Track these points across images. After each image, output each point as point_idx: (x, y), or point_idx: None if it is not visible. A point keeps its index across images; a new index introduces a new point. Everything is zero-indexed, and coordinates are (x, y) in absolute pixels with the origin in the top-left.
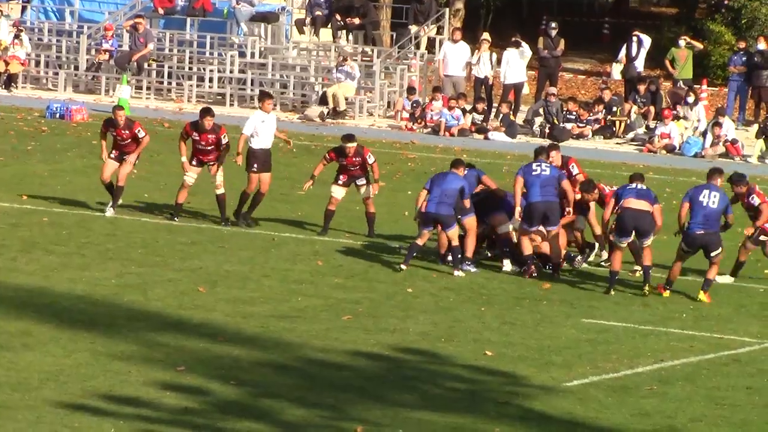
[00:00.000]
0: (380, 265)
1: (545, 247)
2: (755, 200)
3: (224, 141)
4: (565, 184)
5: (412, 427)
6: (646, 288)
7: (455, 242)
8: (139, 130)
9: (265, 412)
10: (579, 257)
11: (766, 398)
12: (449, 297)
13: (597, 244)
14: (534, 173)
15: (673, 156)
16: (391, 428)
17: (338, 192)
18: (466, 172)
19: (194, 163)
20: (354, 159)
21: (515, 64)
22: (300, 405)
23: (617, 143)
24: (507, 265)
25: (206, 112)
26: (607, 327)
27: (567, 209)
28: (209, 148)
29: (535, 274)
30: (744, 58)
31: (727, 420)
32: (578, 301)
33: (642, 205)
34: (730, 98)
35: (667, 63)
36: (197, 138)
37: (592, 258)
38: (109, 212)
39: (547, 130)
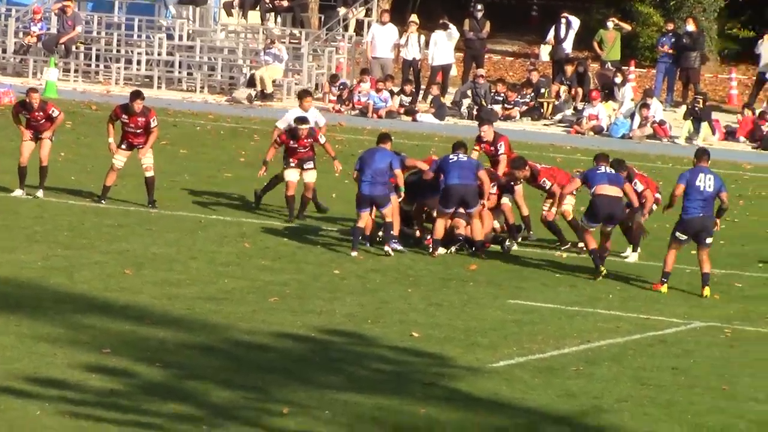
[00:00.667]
0: (307, 246)
1: (471, 230)
2: (638, 186)
3: (153, 124)
4: (482, 174)
5: (339, 408)
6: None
7: (389, 219)
8: (53, 110)
9: (191, 393)
10: (508, 242)
11: (691, 379)
12: (376, 278)
13: (523, 226)
14: (451, 161)
15: (601, 137)
16: (317, 410)
17: (293, 175)
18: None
19: (123, 146)
20: (306, 140)
21: (443, 46)
22: (226, 387)
23: (545, 125)
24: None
25: (136, 95)
26: (534, 308)
27: (481, 201)
28: (138, 131)
29: (435, 255)
30: (672, 40)
31: (652, 400)
32: (505, 282)
33: (615, 191)
34: (658, 80)
35: (596, 44)
36: (126, 120)
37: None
38: (39, 194)
39: (474, 112)
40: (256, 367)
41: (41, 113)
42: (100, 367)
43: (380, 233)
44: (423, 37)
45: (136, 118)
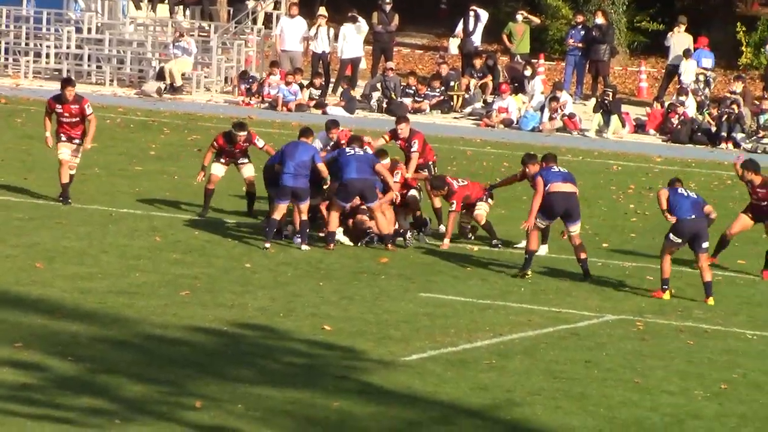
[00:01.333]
0: (218, 240)
1: (377, 224)
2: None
3: (89, 111)
4: (379, 167)
5: (251, 402)
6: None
7: (305, 216)
8: None
9: (104, 388)
10: (409, 234)
11: (604, 371)
12: (287, 272)
13: (429, 219)
14: (348, 154)
15: (511, 130)
16: (230, 403)
17: (219, 170)
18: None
19: (63, 138)
20: (243, 145)
21: (352, 39)
22: (138, 381)
23: (455, 118)
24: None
25: (67, 82)
26: (446, 301)
27: (382, 194)
28: (74, 120)
29: (330, 248)
30: (582, 33)
31: (565, 393)
32: (416, 276)
33: (569, 187)
34: (568, 72)
35: (505, 37)
36: (61, 110)
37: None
38: None
39: (384, 105)
40: (169, 361)
41: None
42: (12, 361)
43: (288, 228)
44: (332, 30)
45: (69, 106)
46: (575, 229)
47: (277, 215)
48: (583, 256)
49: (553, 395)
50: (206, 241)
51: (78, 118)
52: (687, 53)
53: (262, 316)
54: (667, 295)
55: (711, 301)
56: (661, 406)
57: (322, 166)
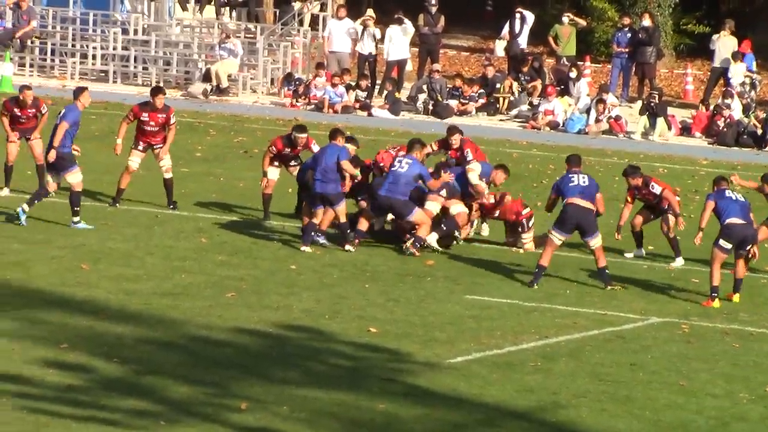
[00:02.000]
0: (263, 242)
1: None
2: (656, 188)
3: (173, 121)
4: (344, 163)
5: (297, 403)
6: (614, 286)
7: (343, 219)
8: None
9: (149, 389)
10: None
11: (649, 374)
12: (333, 274)
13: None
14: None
15: (557, 133)
16: (275, 405)
17: (274, 174)
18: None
19: (141, 147)
20: (301, 147)
21: (398, 41)
22: (184, 382)
23: (501, 120)
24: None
25: (158, 90)
26: (491, 303)
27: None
28: (157, 129)
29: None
30: (629, 35)
31: (611, 396)
32: (461, 278)
33: (586, 203)
34: (614, 75)
35: (551, 40)
36: (147, 119)
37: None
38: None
39: (430, 107)
40: (214, 363)
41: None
42: (58, 362)
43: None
44: (379, 32)
45: (156, 114)
46: (594, 242)
47: (315, 220)
48: (601, 264)
49: (599, 398)
50: (252, 242)
51: (160, 127)
52: (736, 56)
53: (308, 317)
54: (716, 303)
55: (736, 298)
56: (705, 409)
57: (346, 164)
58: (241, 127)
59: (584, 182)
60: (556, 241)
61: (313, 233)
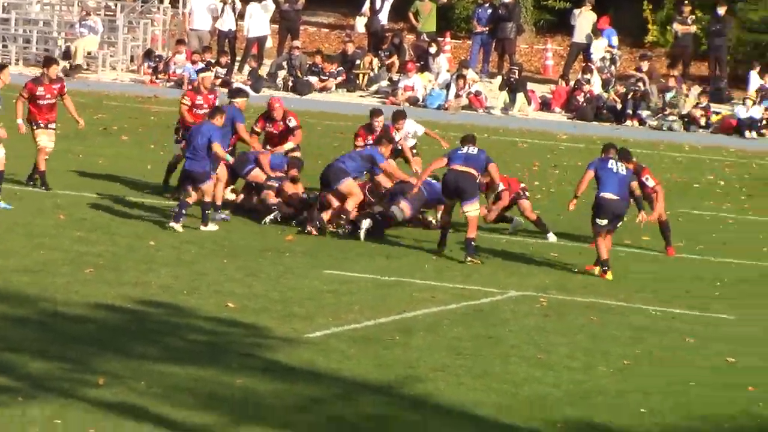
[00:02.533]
0: (122, 218)
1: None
2: (650, 181)
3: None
4: (215, 146)
5: (154, 379)
6: (469, 259)
7: (208, 198)
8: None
9: (7, 365)
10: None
11: (507, 348)
12: (191, 250)
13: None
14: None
15: (417, 108)
16: (132, 380)
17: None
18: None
19: (42, 125)
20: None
21: (258, 18)
22: (42, 358)
23: (360, 96)
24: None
25: (51, 60)
26: (350, 278)
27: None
28: (52, 102)
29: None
30: (489, 11)
31: (468, 370)
32: (321, 253)
33: (466, 168)
34: (474, 51)
35: (411, 16)
36: (43, 92)
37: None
38: None
39: (290, 84)
40: (72, 339)
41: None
42: None
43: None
44: (238, 9)
45: (51, 86)
46: (468, 209)
47: (189, 199)
48: (470, 235)
49: (456, 372)
50: (110, 219)
51: (55, 100)
52: (597, 32)
53: (166, 293)
54: (609, 276)
55: (609, 275)
56: (563, 382)
57: (216, 146)
58: (101, 104)
59: (473, 152)
60: (447, 204)
61: (206, 211)
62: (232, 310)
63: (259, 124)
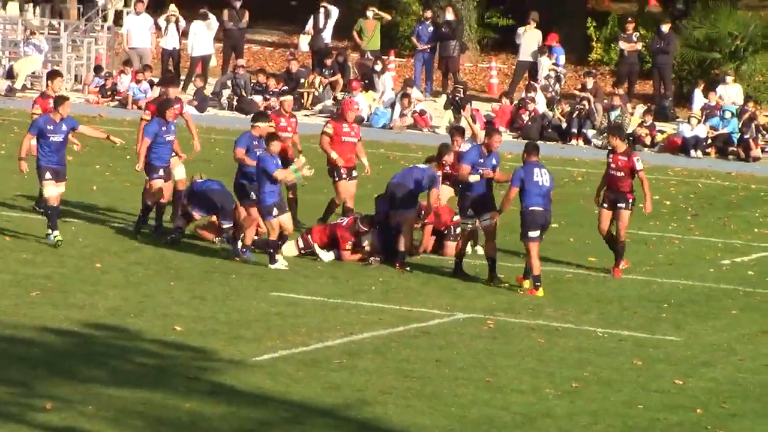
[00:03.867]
0: (69, 240)
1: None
2: (638, 164)
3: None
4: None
5: (102, 402)
6: (404, 270)
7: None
8: None
9: None
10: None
11: (455, 370)
12: (138, 272)
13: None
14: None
15: (362, 127)
16: (81, 404)
17: None
18: None
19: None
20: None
21: (202, 36)
22: None
23: (305, 115)
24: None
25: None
26: (297, 300)
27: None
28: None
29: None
30: (430, 29)
31: (416, 392)
32: (268, 275)
33: (404, 181)
34: (417, 69)
35: (355, 34)
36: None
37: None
38: None
39: (235, 103)
40: (19, 362)
41: None
42: None
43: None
44: (182, 27)
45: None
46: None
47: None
48: (401, 247)
49: (404, 394)
50: (57, 240)
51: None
52: (544, 50)
53: (113, 316)
54: (540, 292)
55: (540, 292)
56: (512, 405)
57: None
58: None
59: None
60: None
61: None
62: (179, 332)
63: None
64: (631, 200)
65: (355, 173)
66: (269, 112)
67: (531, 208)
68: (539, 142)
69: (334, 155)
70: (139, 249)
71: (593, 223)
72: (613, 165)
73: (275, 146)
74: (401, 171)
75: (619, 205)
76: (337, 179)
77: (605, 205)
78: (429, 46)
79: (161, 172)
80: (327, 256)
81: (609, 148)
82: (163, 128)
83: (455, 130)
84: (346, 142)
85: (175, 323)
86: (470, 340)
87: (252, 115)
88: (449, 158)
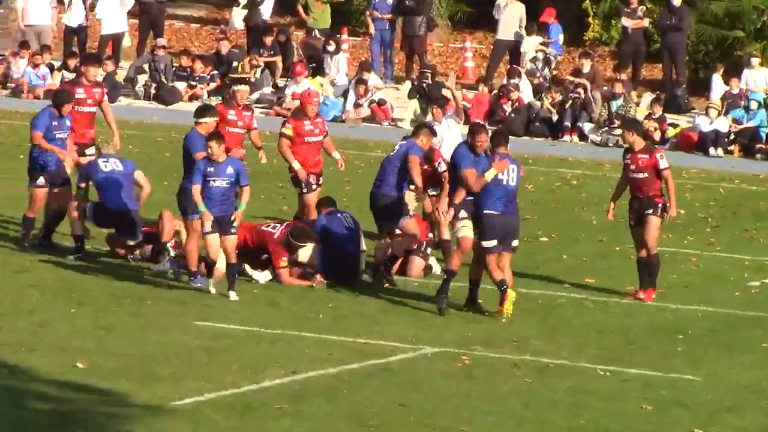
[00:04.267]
0: None
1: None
2: (662, 162)
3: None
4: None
5: None
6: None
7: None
8: None
9: None
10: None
11: (423, 417)
12: (33, 296)
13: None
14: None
15: None
16: None
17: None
18: None
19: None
20: None
21: (114, 11)
22: None
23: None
24: None
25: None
26: (227, 331)
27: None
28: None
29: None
30: (390, 1)
31: None
32: (191, 300)
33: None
34: (375, 50)
35: (300, 9)
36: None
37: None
38: None
39: (153, 91)
40: None
41: None
42: None
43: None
44: (89, 0)
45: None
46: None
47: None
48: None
49: None
50: None
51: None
52: (531, 27)
53: (1, 351)
54: (511, 293)
55: (508, 306)
56: None
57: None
58: None
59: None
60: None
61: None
62: (81, 371)
63: None
64: (660, 205)
65: (321, 179)
66: (215, 104)
67: (487, 212)
68: (525, 138)
69: (296, 165)
70: (35, 268)
71: (591, 237)
72: (633, 166)
73: (216, 147)
74: (378, 171)
75: (647, 212)
76: (305, 191)
77: (633, 222)
78: (389, 16)
79: (42, 180)
80: (262, 276)
81: (624, 146)
82: (55, 123)
83: (421, 127)
84: (310, 142)
85: (76, 359)
86: (441, 380)
87: (196, 108)
88: (425, 140)
